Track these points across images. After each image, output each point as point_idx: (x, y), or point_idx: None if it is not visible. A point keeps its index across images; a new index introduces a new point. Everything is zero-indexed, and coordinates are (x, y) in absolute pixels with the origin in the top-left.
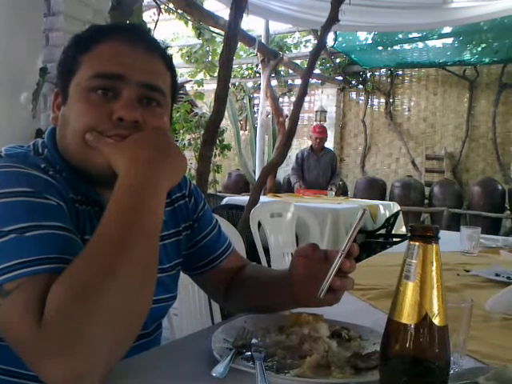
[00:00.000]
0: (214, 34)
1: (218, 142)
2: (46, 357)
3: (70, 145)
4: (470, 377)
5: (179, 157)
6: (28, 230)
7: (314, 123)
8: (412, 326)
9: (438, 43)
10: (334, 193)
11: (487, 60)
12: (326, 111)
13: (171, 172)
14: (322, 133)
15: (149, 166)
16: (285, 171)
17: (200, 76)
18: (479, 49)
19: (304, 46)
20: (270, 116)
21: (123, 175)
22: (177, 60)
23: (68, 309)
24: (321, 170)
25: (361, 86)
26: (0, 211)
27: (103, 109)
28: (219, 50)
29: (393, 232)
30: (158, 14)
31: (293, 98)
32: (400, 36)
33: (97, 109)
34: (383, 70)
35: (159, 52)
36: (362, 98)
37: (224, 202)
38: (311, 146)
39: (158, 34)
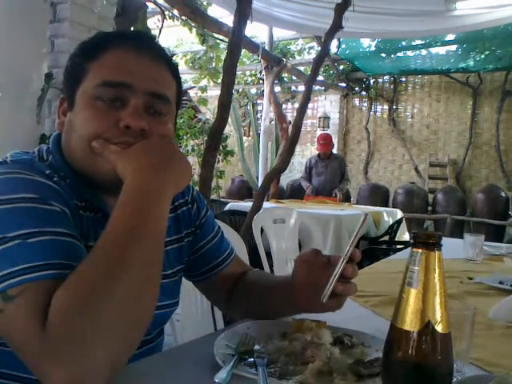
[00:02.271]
0: (217, 41)
1: (221, 147)
2: (49, 361)
3: (76, 151)
4: None
5: (184, 164)
6: (32, 235)
7: (318, 129)
8: (415, 333)
9: (442, 50)
10: (338, 196)
11: (490, 67)
12: (329, 118)
13: (176, 178)
14: (325, 145)
15: (154, 173)
16: (288, 177)
17: (204, 82)
18: (482, 56)
19: (307, 52)
20: (273, 122)
21: (128, 182)
22: (181, 66)
23: (72, 314)
24: (329, 176)
25: (364, 93)
26: (5, 217)
27: (110, 117)
28: (223, 57)
29: (396, 239)
30: (163, 21)
31: (296, 105)
32: (403, 43)
33: (104, 116)
34: (386, 77)
35: (165, 60)
36: (366, 104)
37: (227, 207)
38: (318, 154)
39: (163, 41)
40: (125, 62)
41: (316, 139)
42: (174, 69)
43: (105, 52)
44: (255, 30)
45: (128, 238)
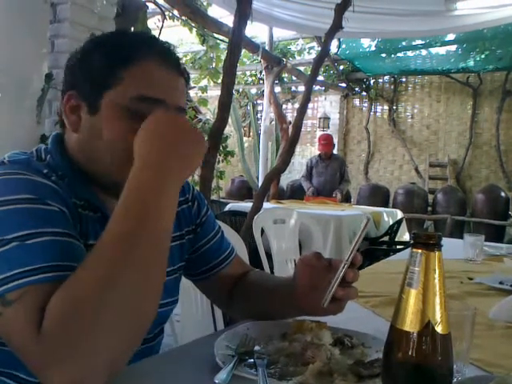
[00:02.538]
0: (218, 41)
1: (221, 148)
2: (47, 366)
3: (102, 158)
4: None
5: (196, 138)
6: (30, 237)
7: (318, 130)
8: (415, 334)
9: (442, 50)
10: (338, 197)
11: (491, 67)
12: (329, 118)
13: (187, 154)
14: (326, 145)
15: (161, 157)
16: (288, 178)
17: (204, 82)
18: (483, 56)
19: (307, 52)
20: (273, 122)
21: (133, 173)
22: None
23: (67, 318)
24: (329, 176)
25: (364, 93)
26: (2, 219)
27: None
28: (223, 57)
29: (396, 239)
30: (163, 21)
31: (296, 105)
32: (403, 43)
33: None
34: (386, 77)
35: (184, 73)
36: (366, 104)
37: (227, 208)
38: (319, 154)
39: None
40: (160, 78)
41: (317, 139)
42: (187, 80)
43: (137, 61)
44: (255, 30)
45: (125, 243)
